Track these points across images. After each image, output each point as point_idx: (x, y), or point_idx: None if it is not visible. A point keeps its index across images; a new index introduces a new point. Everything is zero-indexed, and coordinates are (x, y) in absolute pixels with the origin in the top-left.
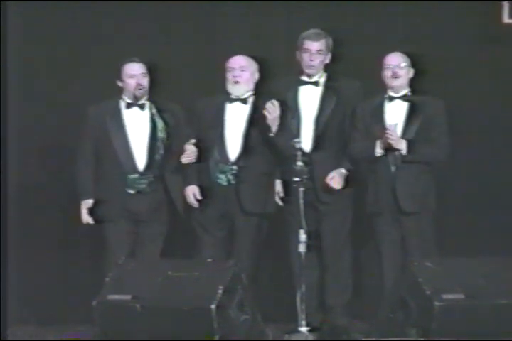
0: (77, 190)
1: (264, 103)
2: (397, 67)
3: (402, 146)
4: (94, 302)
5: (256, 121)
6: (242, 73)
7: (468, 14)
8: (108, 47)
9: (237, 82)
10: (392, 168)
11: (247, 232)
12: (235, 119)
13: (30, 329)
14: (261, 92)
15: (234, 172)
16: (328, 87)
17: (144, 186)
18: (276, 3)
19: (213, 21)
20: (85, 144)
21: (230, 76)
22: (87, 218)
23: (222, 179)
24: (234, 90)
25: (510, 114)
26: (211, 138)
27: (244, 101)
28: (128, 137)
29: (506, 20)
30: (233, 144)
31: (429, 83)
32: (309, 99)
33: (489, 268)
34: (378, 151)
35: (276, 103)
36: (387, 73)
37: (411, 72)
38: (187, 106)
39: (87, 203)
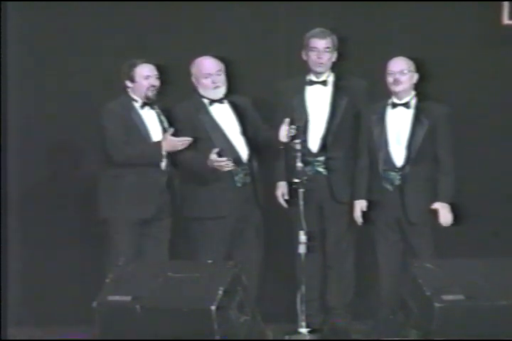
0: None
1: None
2: (399, 73)
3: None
4: (94, 303)
5: (241, 118)
6: (220, 77)
7: (468, 16)
8: (108, 47)
9: (217, 87)
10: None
11: (261, 228)
12: (225, 120)
13: (29, 330)
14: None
15: (247, 171)
16: (338, 87)
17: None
18: (276, 3)
19: (213, 21)
20: (119, 134)
21: (208, 82)
22: None
23: (239, 181)
24: (215, 94)
25: (511, 116)
26: (216, 145)
27: (220, 101)
28: (151, 135)
29: (506, 21)
30: (239, 145)
31: (429, 86)
32: (318, 99)
33: (489, 269)
34: None
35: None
36: (390, 79)
37: (415, 78)
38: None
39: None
